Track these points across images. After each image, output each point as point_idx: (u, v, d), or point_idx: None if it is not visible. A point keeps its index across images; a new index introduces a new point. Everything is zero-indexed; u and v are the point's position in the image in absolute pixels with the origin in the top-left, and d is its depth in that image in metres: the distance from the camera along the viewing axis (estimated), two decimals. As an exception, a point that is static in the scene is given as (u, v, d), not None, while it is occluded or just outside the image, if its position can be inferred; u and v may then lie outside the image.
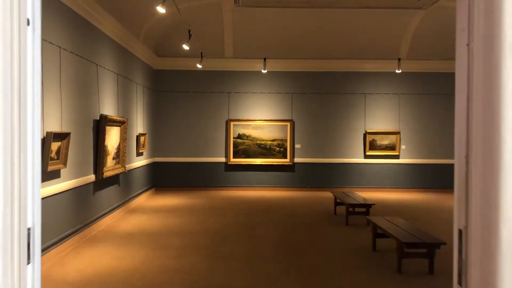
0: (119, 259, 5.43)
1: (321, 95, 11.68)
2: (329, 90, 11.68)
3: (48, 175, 5.12)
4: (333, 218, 8.24)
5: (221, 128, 11.54)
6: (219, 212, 8.67)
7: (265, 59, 11.08)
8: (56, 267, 5.05)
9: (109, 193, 7.56)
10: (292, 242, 6.39)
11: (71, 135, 5.71)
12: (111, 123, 7.37)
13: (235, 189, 11.56)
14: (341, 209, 8.59)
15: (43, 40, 5.02)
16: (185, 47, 8.65)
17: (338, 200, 8.52)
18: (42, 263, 4.94)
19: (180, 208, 9.03)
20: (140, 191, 9.81)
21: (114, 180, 7.80)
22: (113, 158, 7.63)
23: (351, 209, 7.69)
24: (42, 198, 4.99)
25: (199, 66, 10.63)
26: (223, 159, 11.58)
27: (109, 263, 5.24)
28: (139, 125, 9.65)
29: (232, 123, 11.54)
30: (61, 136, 5.36)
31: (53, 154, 5.21)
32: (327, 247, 6.14)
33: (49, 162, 5.07)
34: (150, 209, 8.91)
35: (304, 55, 11.33)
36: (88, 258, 5.46)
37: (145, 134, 10.01)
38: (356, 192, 10.25)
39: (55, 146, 5.23)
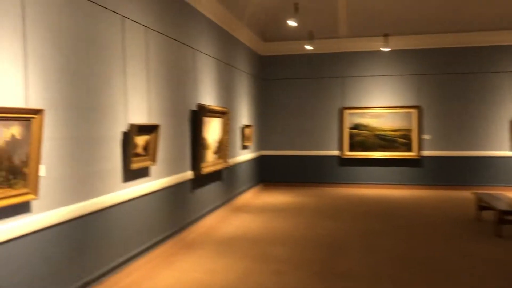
0: (213, 273, 4.61)
1: (455, 76, 9.77)
2: (465, 70, 9.71)
3: (132, 174, 4.47)
4: (477, 226, 6.56)
5: (333, 117, 10.30)
6: (331, 214, 7.51)
7: (386, 35, 9.52)
8: (144, 280, 4.39)
9: (210, 191, 6.87)
10: (426, 261, 4.99)
11: (162, 127, 5.03)
12: (211, 114, 6.63)
13: (350, 186, 10.25)
14: (487, 215, 6.85)
15: (124, 17, 4.34)
16: (291, 23, 7.56)
17: (483, 204, 6.80)
18: (129, 274, 4.31)
19: (287, 208, 8.06)
20: (245, 188, 9.06)
21: (215, 176, 7.09)
22: (214, 153, 6.91)
23: (504, 217, 5.97)
24: (126, 201, 4.35)
25: (308, 47, 9.49)
26: (336, 152, 10.34)
27: (201, 279, 4.44)
28: (243, 116, 8.87)
29: (346, 111, 10.22)
30: (148, 129, 4.68)
31: (139, 150, 4.55)
32: (475, 272, 4.64)
33: (133, 158, 4.41)
34: (255, 208, 8.08)
35: (434, 28, 9.53)
36: (179, 270, 4.73)
37: (251, 125, 9.22)
38: (504, 193, 8.29)
39: (141, 140, 4.56)
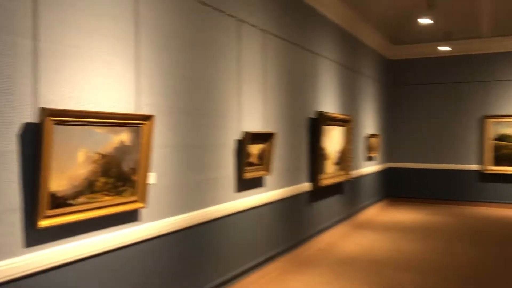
0: (329, 297, 4.16)
1: None
2: None
3: (245, 184, 4.24)
4: None
5: (472, 127, 9.07)
6: (471, 238, 6.49)
7: (541, 31, 8.10)
8: (254, 297, 4.13)
9: (329, 204, 6.41)
10: None
11: (278, 136, 4.75)
12: (332, 122, 6.20)
13: (494, 206, 8.88)
14: None
15: (241, 21, 4.17)
16: (425, 21, 6.76)
17: None
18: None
19: (417, 227, 7.19)
20: (369, 203, 8.38)
21: (336, 189, 6.61)
22: (335, 164, 6.45)
23: None
24: (238, 212, 4.14)
25: (444, 48, 8.50)
26: (475, 167, 9.07)
27: (315, 303, 4.02)
28: (368, 125, 8.23)
29: (489, 120, 8.92)
30: (263, 137, 4.43)
31: (253, 159, 4.32)
32: None
33: (247, 168, 4.18)
34: (380, 225, 7.38)
35: None
36: (292, 289, 4.37)
37: (377, 135, 8.53)
38: None
39: (255, 149, 4.33)
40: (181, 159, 3.44)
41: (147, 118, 2.96)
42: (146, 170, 2.99)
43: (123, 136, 2.82)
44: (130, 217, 2.97)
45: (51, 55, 2.41)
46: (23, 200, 2.28)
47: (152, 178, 3.12)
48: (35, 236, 2.34)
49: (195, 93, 3.60)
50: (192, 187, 3.57)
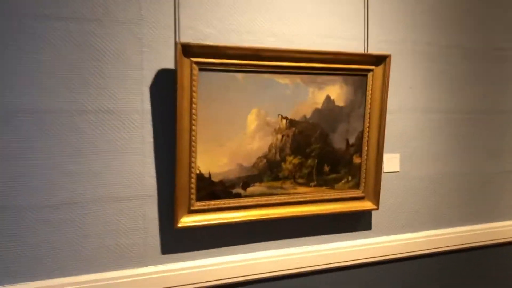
0: None
1: None
2: None
3: None
4: None
5: None
6: None
7: None
8: None
9: None
10: None
11: None
12: None
13: None
14: None
15: None
16: None
17: None
18: None
19: None
20: None
21: None
22: None
23: None
24: None
25: None
26: None
27: None
28: None
29: None
30: None
31: None
32: None
33: None
34: None
35: None
36: None
37: None
38: None
39: None
40: (448, 133, 2.02)
41: (379, 60, 1.74)
42: (379, 148, 1.79)
43: (332, 91, 1.71)
44: (349, 222, 1.86)
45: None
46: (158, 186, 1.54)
47: (392, 162, 1.89)
48: (171, 241, 1.59)
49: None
50: (473, 185, 2.09)
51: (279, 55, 1.58)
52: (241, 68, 1.54)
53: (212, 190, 1.57)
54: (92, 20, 1.42)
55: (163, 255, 1.55)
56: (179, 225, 1.51)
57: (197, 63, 1.47)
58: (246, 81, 1.56)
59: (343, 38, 1.76)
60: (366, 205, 1.82)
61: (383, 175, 1.85)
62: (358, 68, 1.72)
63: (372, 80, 1.74)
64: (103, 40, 1.43)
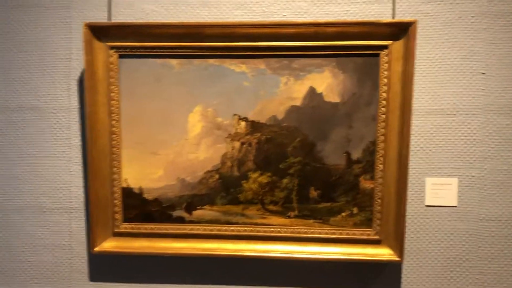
0: None
1: None
2: None
3: None
4: None
5: None
6: None
7: None
8: None
9: None
10: None
11: None
12: None
13: None
14: None
15: None
16: None
17: None
18: None
19: None
20: None
21: None
22: None
23: None
24: None
25: None
26: None
27: None
28: None
29: None
30: None
31: None
32: None
33: None
34: None
35: None
36: None
37: None
38: None
39: None
40: None
41: (401, 28, 1.11)
42: (401, 167, 1.15)
43: (319, 80, 1.16)
44: (356, 275, 1.25)
45: None
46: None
47: (443, 191, 1.21)
48: (102, 266, 1.30)
49: None
50: None
51: (231, 31, 1.13)
52: (175, 52, 1.16)
53: (146, 210, 1.23)
54: (14, 6, 1.25)
55: (91, 282, 1.29)
56: (96, 249, 1.22)
57: (114, 47, 1.16)
58: (184, 68, 1.17)
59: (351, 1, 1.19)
60: (383, 253, 1.19)
61: (425, 211, 1.19)
62: (363, 45, 1.12)
63: (389, 62, 1.12)
64: (27, 27, 1.26)
